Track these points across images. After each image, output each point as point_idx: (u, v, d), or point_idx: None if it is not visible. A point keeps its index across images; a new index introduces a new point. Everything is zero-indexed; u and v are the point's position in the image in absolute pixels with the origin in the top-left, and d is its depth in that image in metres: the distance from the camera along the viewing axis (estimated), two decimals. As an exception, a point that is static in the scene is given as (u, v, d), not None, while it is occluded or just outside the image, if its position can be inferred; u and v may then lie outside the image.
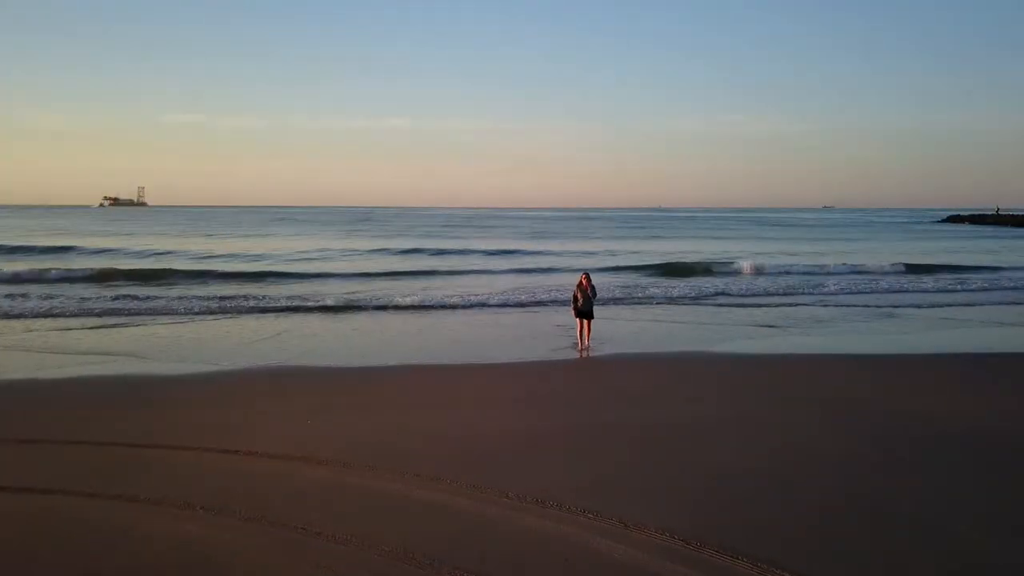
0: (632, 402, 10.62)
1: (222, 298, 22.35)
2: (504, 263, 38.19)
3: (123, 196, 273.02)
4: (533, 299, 22.90)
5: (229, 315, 19.66)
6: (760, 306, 22.04)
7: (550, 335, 16.54)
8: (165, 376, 12.45)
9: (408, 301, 22.12)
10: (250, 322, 18.64)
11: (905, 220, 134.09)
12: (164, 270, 31.41)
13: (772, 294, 25.07)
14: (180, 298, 22.45)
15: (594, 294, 14.94)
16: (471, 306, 21.71)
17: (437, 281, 29.09)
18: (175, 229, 76.54)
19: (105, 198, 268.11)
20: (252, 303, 21.54)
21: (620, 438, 8.84)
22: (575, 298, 14.90)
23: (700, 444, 8.61)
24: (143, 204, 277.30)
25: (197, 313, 19.87)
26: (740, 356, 14.20)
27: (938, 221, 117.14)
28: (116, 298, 22.21)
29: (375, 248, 49.12)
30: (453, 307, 21.42)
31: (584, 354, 14.25)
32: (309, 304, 21.32)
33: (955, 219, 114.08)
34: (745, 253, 43.94)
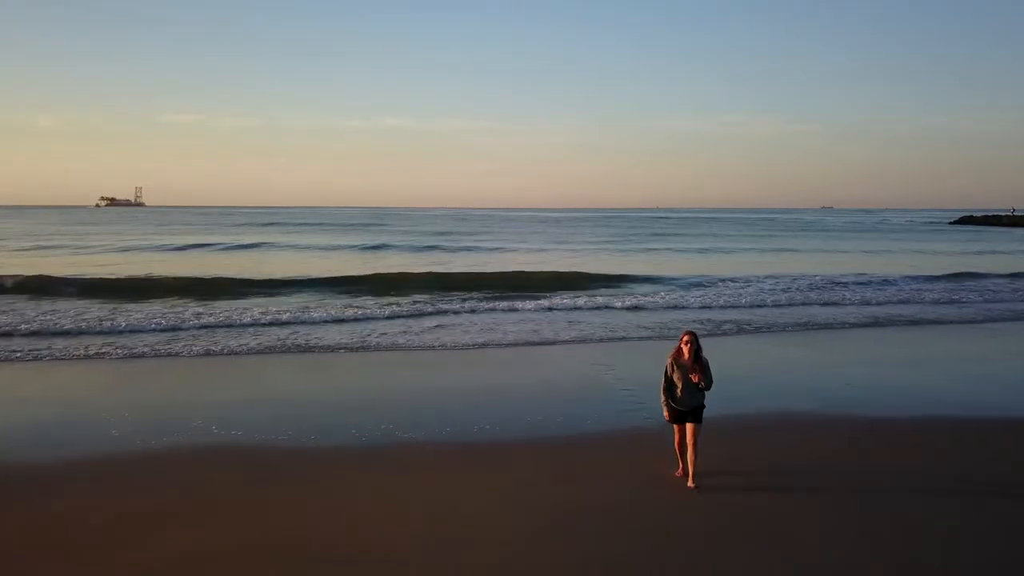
0: (734, 536, 7.02)
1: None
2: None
3: (120, 196, 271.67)
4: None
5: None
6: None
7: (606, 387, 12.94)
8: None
9: (418, 342, 18.51)
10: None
11: (911, 222, 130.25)
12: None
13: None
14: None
15: (707, 378, 7.93)
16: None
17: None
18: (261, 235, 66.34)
19: (102, 198, 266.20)
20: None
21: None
22: (667, 382, 8.04)
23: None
24: (140, 204, 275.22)
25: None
26: (861, 419, 10.54)
27: (949, 223, 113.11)
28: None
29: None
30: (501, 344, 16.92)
31: (691, 484, 7.86)
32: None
33: (967, 220, 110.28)
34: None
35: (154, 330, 17.87)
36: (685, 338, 8.02)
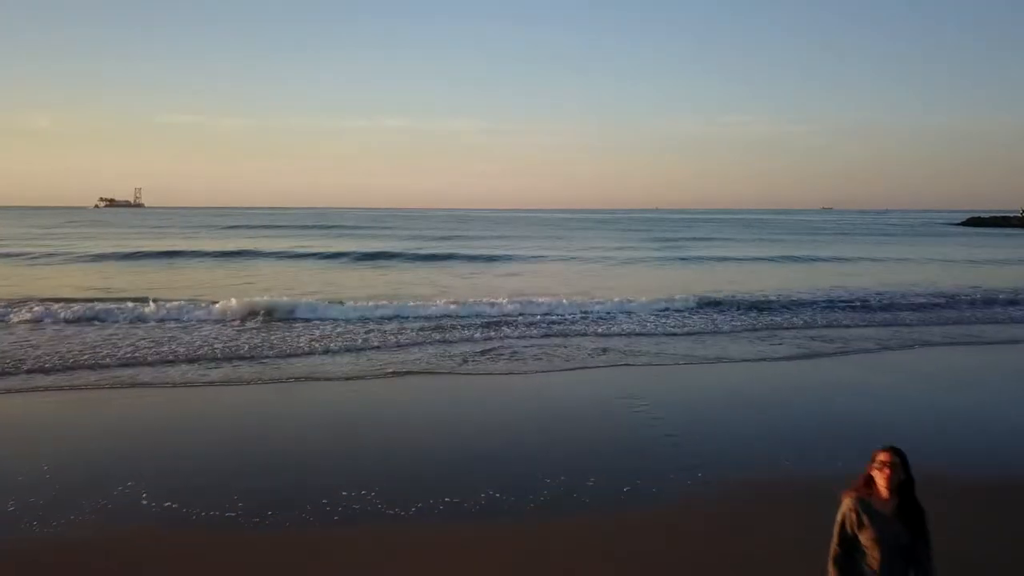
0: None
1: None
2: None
3: (119, 197, 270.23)
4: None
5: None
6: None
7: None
8: None
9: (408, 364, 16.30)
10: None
11: (925, 223, 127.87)
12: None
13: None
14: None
15: (926, 543, 3.86)
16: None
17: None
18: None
19: (101, 199, 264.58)
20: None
21: None
22: (844, 541, 3.95)
23: None
24: (140, 205, 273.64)
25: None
26: None
27: (957, 223, 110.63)
28: None
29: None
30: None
31: None
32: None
33: (975, 221, 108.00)
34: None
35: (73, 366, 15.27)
36: (881, 457, 3.97)
